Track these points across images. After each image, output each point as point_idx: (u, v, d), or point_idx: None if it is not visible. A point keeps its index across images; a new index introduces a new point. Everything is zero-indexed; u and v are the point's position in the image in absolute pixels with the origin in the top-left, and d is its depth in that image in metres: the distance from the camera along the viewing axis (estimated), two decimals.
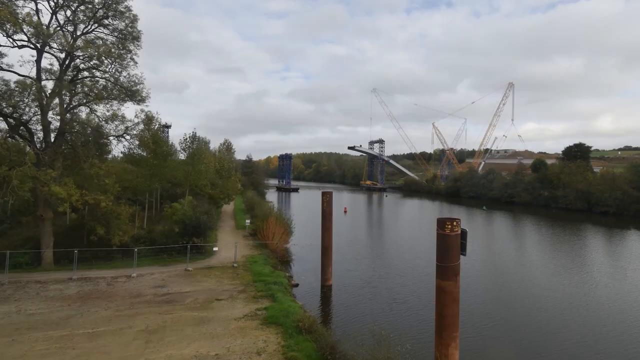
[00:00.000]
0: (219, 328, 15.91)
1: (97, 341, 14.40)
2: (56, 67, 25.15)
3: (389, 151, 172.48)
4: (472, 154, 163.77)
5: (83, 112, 27.70)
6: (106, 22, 25.04)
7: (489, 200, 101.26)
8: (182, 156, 46.82)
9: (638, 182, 75.61)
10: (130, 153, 34.73)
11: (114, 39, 25.70)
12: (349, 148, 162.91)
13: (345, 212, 73.15)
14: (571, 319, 21.99)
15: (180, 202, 34.99)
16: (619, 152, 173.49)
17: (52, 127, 25.60)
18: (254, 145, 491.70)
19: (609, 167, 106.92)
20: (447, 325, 12.46)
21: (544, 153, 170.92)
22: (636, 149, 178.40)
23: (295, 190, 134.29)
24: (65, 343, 14.21)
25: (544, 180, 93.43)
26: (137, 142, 27.68)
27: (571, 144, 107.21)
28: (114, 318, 16.79)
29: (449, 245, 13.00)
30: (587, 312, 23.16)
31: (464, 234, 13.34)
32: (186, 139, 45.72)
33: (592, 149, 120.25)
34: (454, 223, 13.04)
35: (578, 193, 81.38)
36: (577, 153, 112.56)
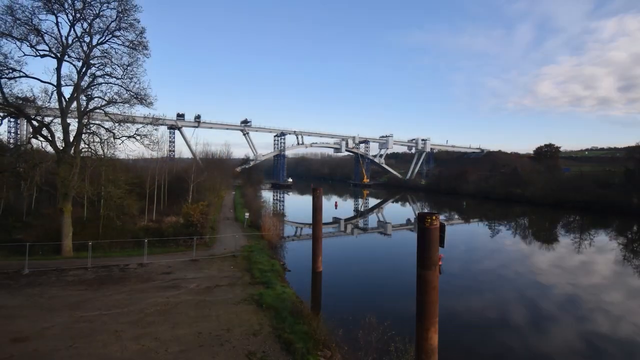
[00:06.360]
0: (219, 311, 16.09)
1: (111, 321, 14.56)
2: (74, 74, 25.38)
3: (374, 150, 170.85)
4: None
5: (98, 114, 27.94)
6: (118, 33, 25.19)
7: (465, 196, 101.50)
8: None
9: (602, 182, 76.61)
10: (140, 153, 34.88)
11: (125, 49, 25.86)
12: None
13: (335, 206, 73.03)
14: (545, 303, 22.36)
15: (187, 199, 35.09)
16: (586, 152, 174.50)
17: (70, 128, 25.81)
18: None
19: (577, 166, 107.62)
20: (427, 311, 12.62)
21: (516, 153, 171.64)
22: (602, 149, 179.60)
23: (289, 187, 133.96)
24: (82, 322, 14.38)
25: (516, 178, 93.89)
26: (146, 142, 27.78)
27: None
28: (125, 301, 16.96)
29: (429, 237, 13.04)
30: (555, 296, 23.57)
31: (442, 227, 13.39)
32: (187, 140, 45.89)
33: (561, 149, 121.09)
34: (433, 217, 13.07)
35: (547, 190, 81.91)
36: (547, 153, 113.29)
